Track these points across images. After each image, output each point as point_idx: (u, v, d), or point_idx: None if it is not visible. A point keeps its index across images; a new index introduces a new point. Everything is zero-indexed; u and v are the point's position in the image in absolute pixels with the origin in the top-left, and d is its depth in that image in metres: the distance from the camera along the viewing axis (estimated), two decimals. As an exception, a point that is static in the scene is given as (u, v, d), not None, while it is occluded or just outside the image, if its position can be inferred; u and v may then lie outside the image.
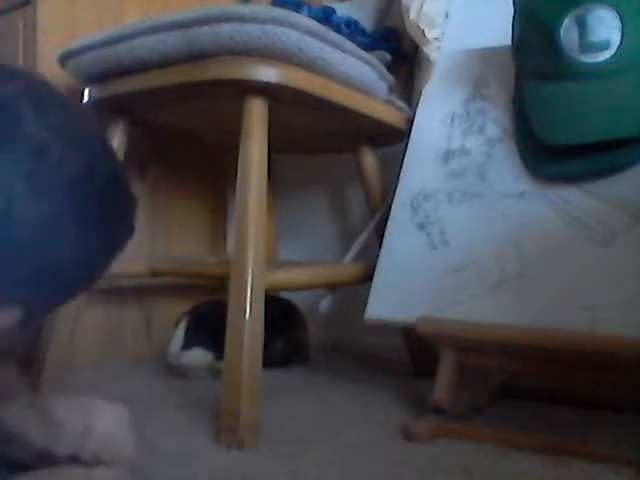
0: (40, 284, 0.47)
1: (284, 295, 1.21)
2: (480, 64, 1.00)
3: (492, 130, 0.92)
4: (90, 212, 0.48)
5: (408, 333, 1.02)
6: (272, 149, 0.81)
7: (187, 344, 1.03)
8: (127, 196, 0.53)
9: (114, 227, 0.52)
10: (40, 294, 0.48)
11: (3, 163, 0.43)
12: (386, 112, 0.98)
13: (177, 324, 1.06)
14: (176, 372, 1.04)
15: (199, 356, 1.03)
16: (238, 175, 0.77)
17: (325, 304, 0.98)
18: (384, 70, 0.95)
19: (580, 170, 0.81)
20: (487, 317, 0.76)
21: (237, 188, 0.77)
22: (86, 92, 0.92)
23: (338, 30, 1.03)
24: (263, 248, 0.76)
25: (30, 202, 0.43)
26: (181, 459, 0.67)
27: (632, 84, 0.80)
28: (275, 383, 0.99)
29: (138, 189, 1.18)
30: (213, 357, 1.02)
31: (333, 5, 1.17)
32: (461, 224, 0.86)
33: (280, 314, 1.14)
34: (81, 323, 0.99)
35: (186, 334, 1.04)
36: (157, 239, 1.23)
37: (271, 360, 1.05)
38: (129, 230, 0.54)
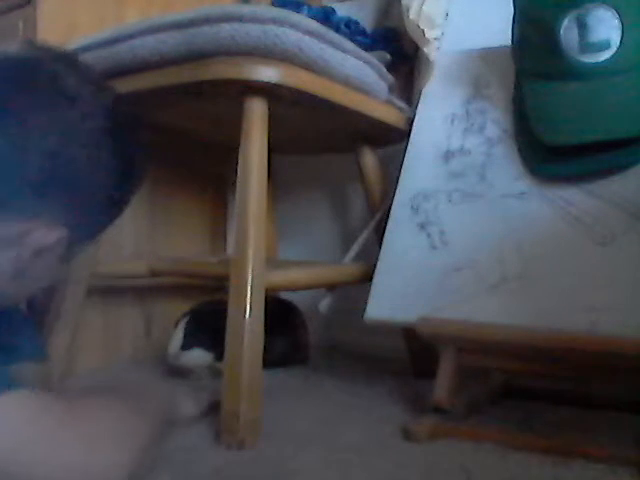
0: (79, 210, 0.59)
1: (284, 295, 1.21)
2: (480, 64, 1.00)
3: (492, 130, 0.92)
4: (112, 154, 0.59)
5: (408, 333, 1.02)
6: (272, 149, 0.81)
7: (186, 344, 1.03)
8: (136, 148, 0.65)
9: (129, 172, 0.64)
10: (79, 218, 0.60)
11: (50, 113, 0.55)
12: (386, 112, 0.98)
13: (177, 324, 1.06)
14: (176, 372, 1.04)
15: (199, 356, 1.03)
16: (238, 175, 0.77)
17: (325, 304, 0.98)
18: (384, 70, 0.95)
19: (580, 170, 0.81)
20: (487, 317, 0.76)
21: (237, 188, 0.77)
22: (86, 92, 0.92)
23: (338, 30, 1.03)
24: (263, 248, 0.76)
25: (71, 145, 0.56)
26: (181, 459, 0.67)
27: (632, 84, 0.80)
28: (275, 383, 0.99)
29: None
30: (213, 357, 1.02)
31: (333, 5, 1.17)
32: (461, 224, 0.86)
33: (281, 314, 1.14)
34: (81, 323, 0.99)
35: (185, 334, 1.04)
36: (157, 239, 1.23)
37: (271, 361, 1.06)
38: (139, 177, 0.67)
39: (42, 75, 0.56)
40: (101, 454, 0.53)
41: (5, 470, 0.48)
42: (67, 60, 0.60)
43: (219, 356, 1.00)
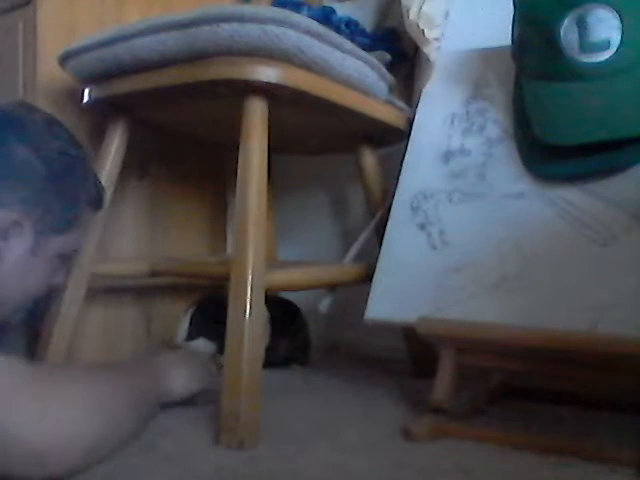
0: (36, 201, 0.73)
1: (284, 295, 1.21)
2: (480, 64, 1.00)
3: (492, 130, 0.92)
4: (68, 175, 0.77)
5: (408, 333, 1.02)
6: (272, 149, 0.81)
7: (191, 335, 1.05)
8: (93, 172, 0.84)
9: (79, 172, 0.80)
10: (38, 209, 0.73)
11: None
12: (386, 112, 0.98)
13: (185, 313, 1.08)
14: None
15: (202, 346, 1.03)
16: (238, 175, 0.77)
17: (325, 304, 0.98)
18: (384, 70, 0.95)
19: (580, 170, 0.81)
20: (487, 317, 0.76)
21: (237, 188, 0.77)
22: (86, 92, 0.92)
23: (338, 30, 1.03)
24: (263, 248, 0.76)
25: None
26: (181, 459, 0.67)
27: (632, 84, 0.80)
28: (275, 383, 0.99)
29: (138, 189, 1.18)
30: (217, 349, 1.03)
31: (333, 5, 1.17)
32: (461, 224, 0.86)
33: (282, 315, 1.14)
34: (81, 323, 0.99)
35: (190, 325, 1.06)
36: (157, 239, 1.23)
37: (274, 361, 1.06)
38: (93, 177, 0.83)
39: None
40: (55, 416, 0.54)
41: None
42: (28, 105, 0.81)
43: (221, 348, 1.01)
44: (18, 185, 0.72)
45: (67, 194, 0.77)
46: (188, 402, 0.83)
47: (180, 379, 0.80)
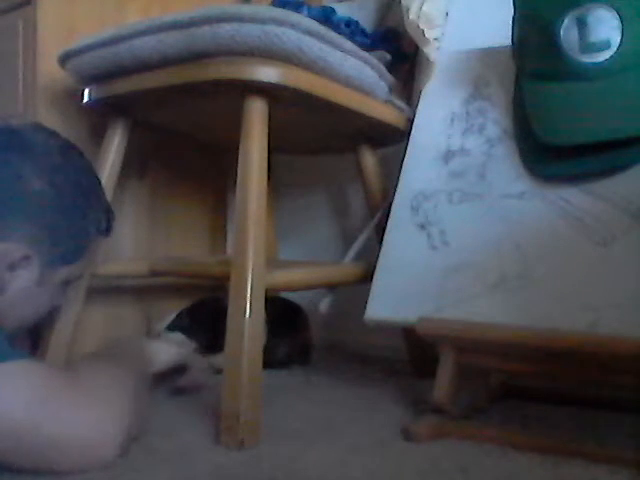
0: (45, 234, 0.72)
1: (284, 295, 1.21)
2: (480, 64, 1.00)
3: (492, 130, 0.92)
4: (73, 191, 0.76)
5: (408, 333, 1.02)
6: (272, 149, 0.81)
7: (171, 326, 1.06)
8: (104, 200, 0.84)
9: (93, 206, 0.79)
10: (46, 242, 0.72)
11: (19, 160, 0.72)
12: (386, 112, 0.98)
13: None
14: None
15: (179, 340, 1.04)
16: (238, 175, 0.77)
17: (325, 304, 0.98)
18: (384, 70, 0.95)
19: (580, 170, 0.81)
20: (487, 317, 0.76)
21: (237, 188, 0.77)
22: (86, 92, 0.92)
23: (338, 30, 1.03)
24: (263, 248, 0.76)
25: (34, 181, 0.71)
26: (181, 459, 0.67)
27: (632, 84, 0.80)
28: (275, 383, 0.99)
29: (138, 189, 1.18)
30: (197, 347, 1.03)
31: (333, 5, 1.17)
32: (461, 224, 0.86)
33: (286, 316, 1.14)
34: (81, 323, 0.99)
35: (176, 317, 1.07)
36: (157, 239, 1.23)
37: (275, 362, 1.06)
38: (106, 211, 0.82)
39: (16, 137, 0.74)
40: (98, 408, 0.62)
41: (18, 430, 0.57)
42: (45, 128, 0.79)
43: (204, 348, 1.03)
44: (30, 219, 0.71)
45: (77, 226, 0.77)
46: (177, 392, 0.89)
47: (159, 352, 0.85)
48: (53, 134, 0.78)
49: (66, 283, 0.81)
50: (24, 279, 0.71)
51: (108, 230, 0.84)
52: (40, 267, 0.72)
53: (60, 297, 0.84)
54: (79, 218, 0.77)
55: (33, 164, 0.72)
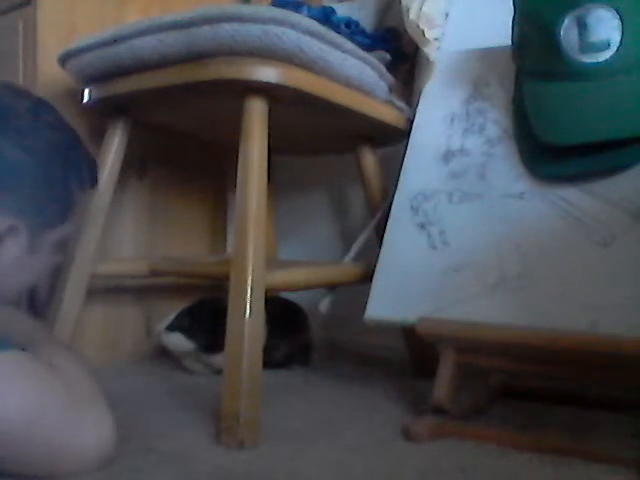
0: (29, 201, 0.71)
1: (284, 295, 1.21)
2: (480, 64, 1.00)
3: (492, 130, 0.92)
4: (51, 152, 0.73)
5: (408, 333, 1.02)
6: (272, 149, 0.81)
7: (171, 326, 1.05)
8: (83, 153, 0.79)
9: (74, 165, 0.77)
10: (31, 208, 0.71)
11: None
12: (386, 112, 0.98)
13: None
14: (164, 352, 1.09)
15: (177, 341, 1.05)
16: (238, 175, 0.77)
17: (325, 304, 0.98)
18: (384, 70, 0.95)
19: (580, 170, 0.81)
20: (487, 317, 0.76)
21: (237, 188, 0.77)
22: (86, 92, 0.92)
23: (338, 30, 1.03)
24: (263, 248, 0.76)
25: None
26: (181, 459, 0.67)
27: (632, 84, 0.80)
28: (275, 383, 0.99)
29: (138, 189, 1.18)
30: (196, 347, 1.04)
31: (333, 5, 1.17)
32: (461, 224, 0.86)
33: (284, 316, 1.14)
34: (81, 323, 0.99)
35: (175, 317, 1.06)
36: (157, 239, 1.23)
37: (276, 362, 1.06)
38: (88, 168, 0.80)
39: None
40: (94, 408, 0.63)
41: (15, 428, 0.56)
42: (13, 88, 0.76)
43: (204, 348, 1.03)
44: (10, 191, 0.70)
45: (59, 187, 0.75)
46: None
47: None
48: (21, 95, 0.75)
49: (61, 243, 0.79)
50: (14, 249, 0.70)
51: (92, 181, 0.82)
52: (28, 235, 0.71)
53: (58, 258, 0.81)
54: (60, 178, 0.75)
55: (3, 133, 0.70)
